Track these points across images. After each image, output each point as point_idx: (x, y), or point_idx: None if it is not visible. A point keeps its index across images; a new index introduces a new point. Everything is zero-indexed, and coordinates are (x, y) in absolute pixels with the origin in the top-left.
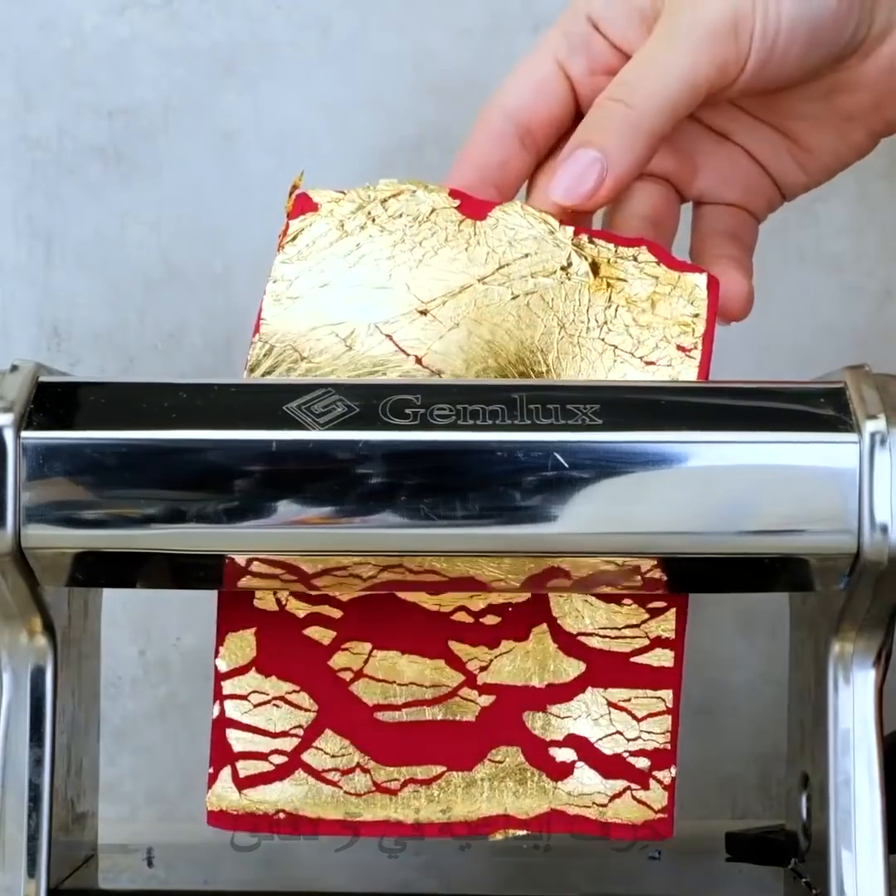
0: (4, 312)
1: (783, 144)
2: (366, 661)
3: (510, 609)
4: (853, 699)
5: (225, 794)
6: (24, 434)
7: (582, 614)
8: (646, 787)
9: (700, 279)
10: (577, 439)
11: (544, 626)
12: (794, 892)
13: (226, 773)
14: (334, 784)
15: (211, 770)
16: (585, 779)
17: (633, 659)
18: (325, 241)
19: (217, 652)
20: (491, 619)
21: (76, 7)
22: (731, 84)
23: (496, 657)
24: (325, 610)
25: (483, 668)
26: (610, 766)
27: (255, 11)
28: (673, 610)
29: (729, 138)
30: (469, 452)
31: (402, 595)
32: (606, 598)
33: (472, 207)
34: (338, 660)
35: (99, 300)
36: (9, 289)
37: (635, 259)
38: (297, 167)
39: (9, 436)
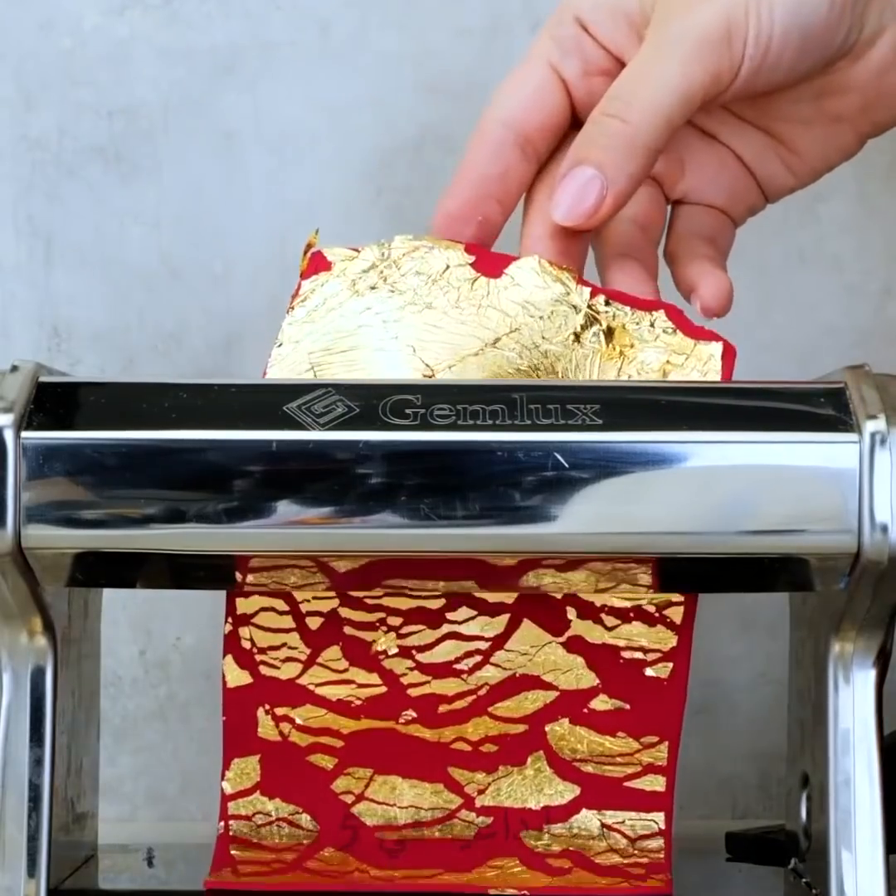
0: (4, 312)
1: (771, 146)
2: (367, 785)
3: (508, 738)
4: (853, 699)
5: (224, 878)
6: (24, 434)
7: (576, 745)
8: (644, 881)
9: (716, 348)
10: (577, 439)
11: (541, 752)
12: (794, 892)
13: (226, 871)
14: (332, 878)
15: (210, 873)
16: (584, 875)
17: (626, 783)
18: (335, 301)
19: (223, 775)
20: (489, 748)
21: (76, 7)
22: (724, 91)
23: (494, 781)
24: (327, 740)
25: (481, 792)
26: (607, 872)
27: (255, 11)
28: (666, 743)
29: (716, 139)
30: (469, 452)
31: (402, 729)
32: (600, 731)
33: (487, 264)
34: (340, 784)
35: (99, 300)
36: (9, 289)
37: (652, 325)
38: (297, 167)
39: (9, 436)
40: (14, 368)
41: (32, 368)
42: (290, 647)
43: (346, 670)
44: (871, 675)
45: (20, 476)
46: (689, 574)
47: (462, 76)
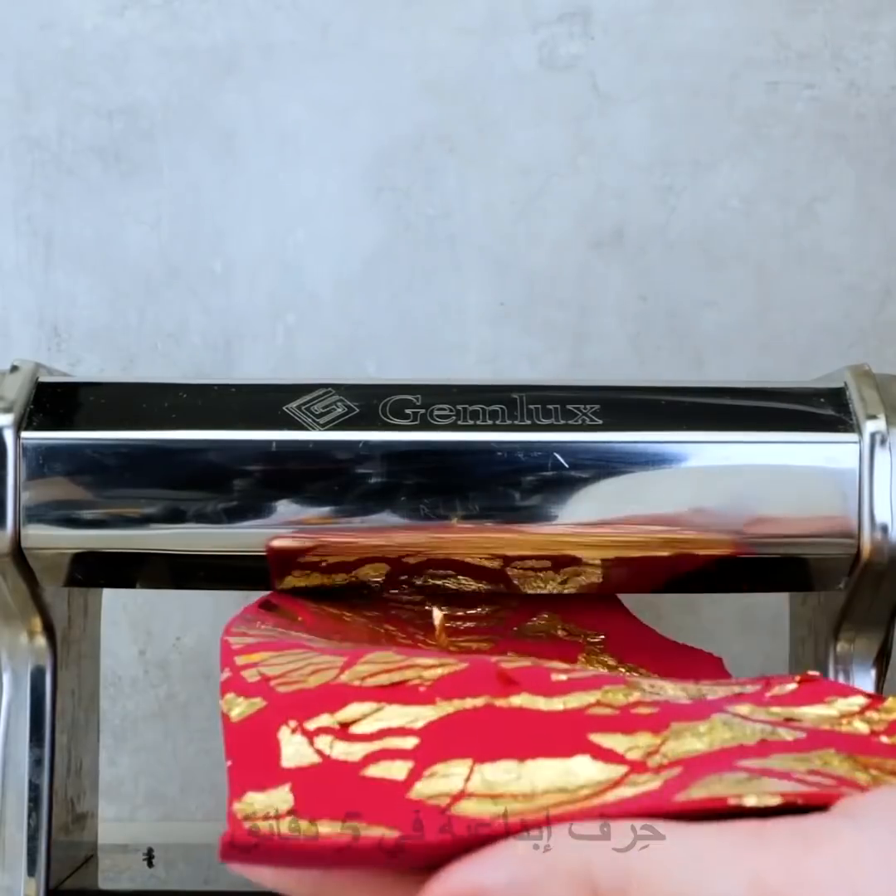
0: (4, 312)
1: None
2: (467, 780)
3: (669, 705)
4: None
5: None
6: (24, 434)
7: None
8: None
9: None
10: (577, 439)
11: (728, 715)
12: None
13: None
14: None
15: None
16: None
17: (880, 738)
18: None
19: (230, 808)
20: (644, 711)
21: (76, 7)
22: None
23: (666, 740)
24: (393, 742)
25: (652, 752)
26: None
27: (255, 11)
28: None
29: None
30: (469, 452)
31: (503, 703)
32: (801, 703)
33: None
34: (422, 788)
35: (99, 300)
36: (9, 289)
37: None
38: (297, 167)
39: (9, 436)
40: (14, 368)
41: (32, 368)
42: (315, 664)
43: (403, 660)
44: (871, 675)
45: (20, 476)
46: (689, 574)
47: (462, 76)
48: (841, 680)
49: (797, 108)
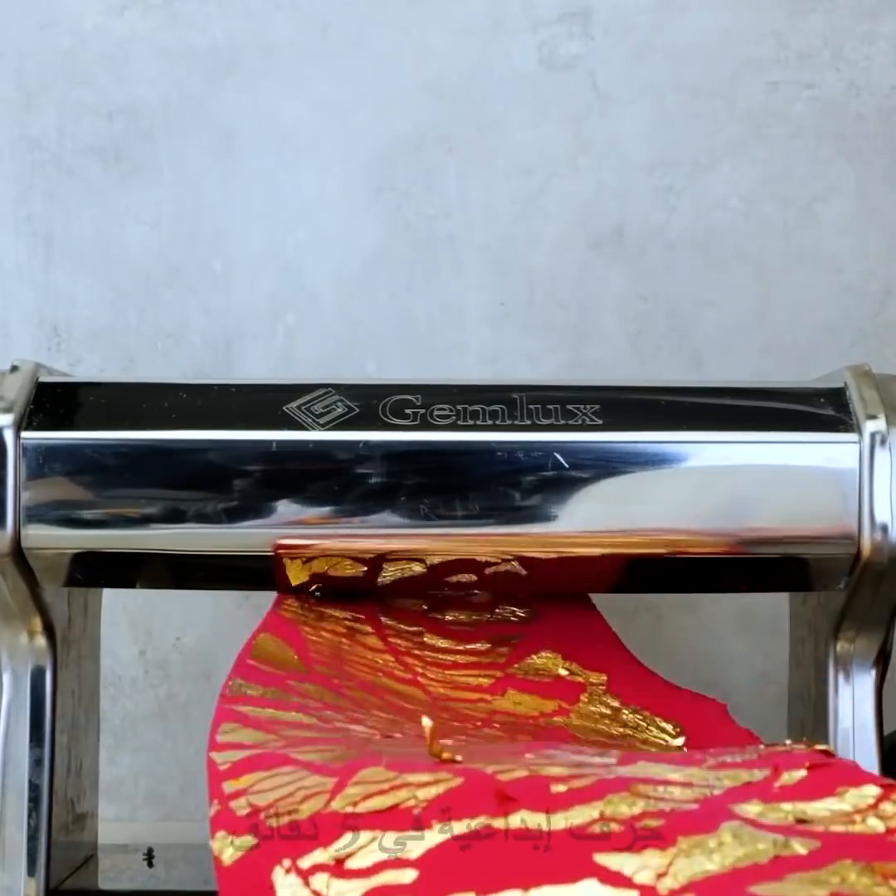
0: (4, 312)
1: None
2: None
3: (677, 815)
4: (853, 699)
5: None
6: (24, 434)
7: (787, 818)
8: None
9: None
10: (577, 439)
11: (738, 823)
12: None
13: None
14: None
15: None
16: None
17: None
18: None
19: None
20: (651, 823)
21: (76, 7)
22: None
23: (676, 858)
24: (389, 877)
25: (662, 875)
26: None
27: (255, 11)
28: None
29: None
30: (469, 452)
31: (500, 824)
32: (811, 796)
33: None
34: None
35: (99, 300)
36: (9, 289)
37: None
38: (297, 167)
39: (9, 436)
40: (14, 368)
41: (32, 368)
42: (306, 789)
43: (395, 777)
44: (871, 675)
45: (20, 476)
46: (689, 574)
47: (462, 76)
48: (841, 680)
49: (797, 108)
